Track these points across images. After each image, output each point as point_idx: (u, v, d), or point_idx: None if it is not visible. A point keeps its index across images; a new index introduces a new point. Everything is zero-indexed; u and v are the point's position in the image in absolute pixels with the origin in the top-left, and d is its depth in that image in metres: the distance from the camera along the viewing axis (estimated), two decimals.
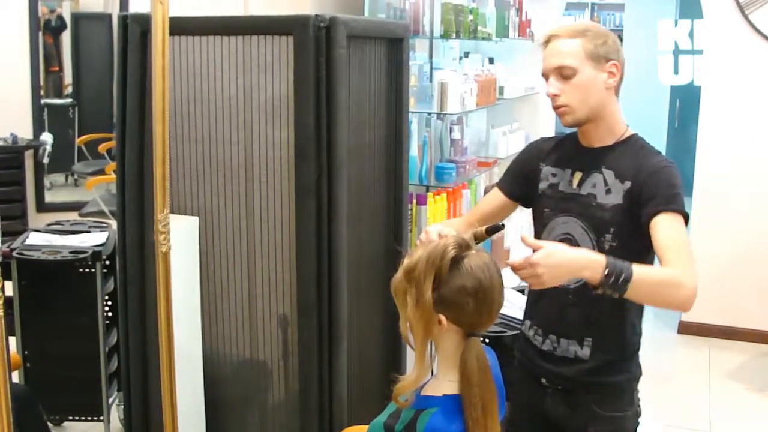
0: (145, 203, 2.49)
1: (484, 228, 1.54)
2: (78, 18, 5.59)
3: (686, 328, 4.65)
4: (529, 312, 2.02)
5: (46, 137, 5.22)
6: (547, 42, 1.83)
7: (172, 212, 2.00)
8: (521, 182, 2.00)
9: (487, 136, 4.64)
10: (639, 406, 1.93)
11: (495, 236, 1.68)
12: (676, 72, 5.03)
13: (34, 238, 3.17)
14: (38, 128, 5.26)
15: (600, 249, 1.80)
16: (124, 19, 2.50)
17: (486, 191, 4.26)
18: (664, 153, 1.86)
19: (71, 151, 5.61)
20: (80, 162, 5.64)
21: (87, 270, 3.03)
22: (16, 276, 2.99)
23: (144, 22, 2.41)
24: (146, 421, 2.63)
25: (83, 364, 3.06)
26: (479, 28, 4.08)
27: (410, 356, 1.49)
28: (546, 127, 5.18)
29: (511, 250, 4.26)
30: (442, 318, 1.41)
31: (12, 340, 2.98)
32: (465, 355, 1.42)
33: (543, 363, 1.93)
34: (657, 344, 4.42)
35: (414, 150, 3.60)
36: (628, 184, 1.78)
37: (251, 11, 2.99)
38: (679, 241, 1.68)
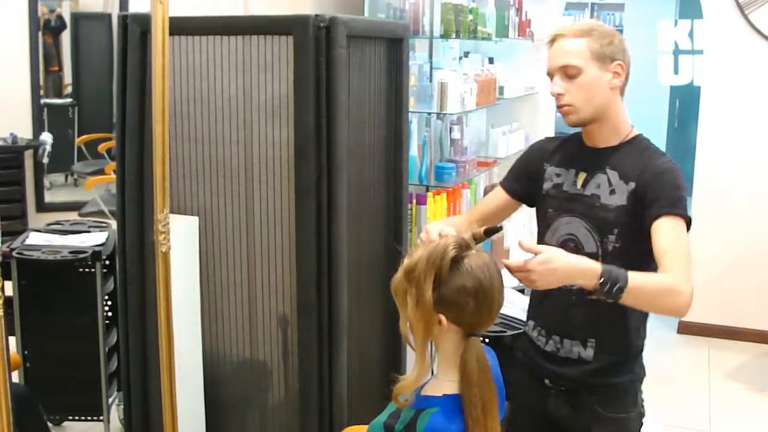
0: (145, 203, 2.49)
1: (482, 229, 1.54)
2: (78, 18, 5.59)
3: (686, 328, 4.65)
4: (532, 312, 2.02)
5: (46, 137, 5.22)
6: (552, 41, 1.82)
7: (172, 212, 2.00)
8: (524, 182, 2.00)
9: (487, 136, 4.64)
10: (643, 407, 1.93)
11: (494, 237, 1.68)
12: (676, 72, 5.02)
13: (33, 238, 3.17)
14: (38, 128, 5.25)
15: (604, 250, 1.80)
16: (124, 19, 2.50)
17: (486, 191, 4.26)
18: None
19: (71, 151, 5.61)
20: (80, 162, 5.64)
21: (87, 270, 3.03)
22: (16, 276, 2.99)
23: (144, 22, 2.41)
24: (146, 421, 2.63)
25: (83, 364, 3.06)
26: (479, 27, 4.08)
27: (410, 356, 1.49)
28: (546, 127, 5.18)
29: (511, 250, 4.25)
30: (442, 318, 1.41)
31: (12, 340, 2.98)
32: (465, 355, 1.42)
33: (546, 364, 1.93)
34: (657, 344, 4.41)
35: (414, 150, 3.59)
36: (632, 185, 1.77)
37: (251, 11, 2.99)
38: (679, 246, 1.68)
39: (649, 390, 1.95)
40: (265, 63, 2.33)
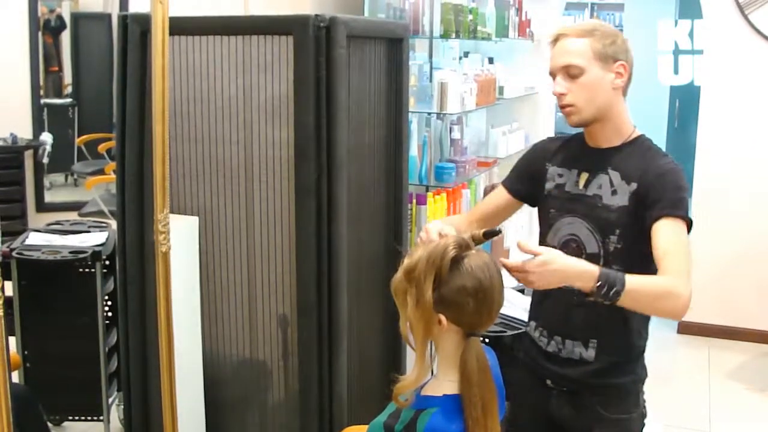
0: (145, 203, 2.49)
1: (481, 231, 1.54)
2: (77, 18, 5.59)
3: (686, 328, 4.64)
4: (534, 313, 2.02)
5: (46, 137, 5.22)
6: (555, 41, 1.82)
7: (172, 212, 2.00)
8: (526, 182, 1.99)
9: (487, 136, 4.64)
10: (645, 407, 1.93)
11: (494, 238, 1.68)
12: (675, 72, 5.02)
13: (33, 238, 3.16)
14: (38, 128, 5.25)
15: (605, 250, 1.79)
16: (123, 19, 2.50)
17: (485, 191, 4.26)
18: None
19: (71, 151, 5.61)
20: (80, 162, 5.64)
21: (87, 270, 3.03)
22: (16, 276, 2.99)
23: (144, 22, 2.41)
24: (146, 421, 2.63)
25: (83, 364, 3.06)
26: (479, 27, 4.08)
27: (410, 356, 1.49)
28: (546, 127, 5.18)
29: (511, 250, 4.25)
30: (442, 318, 1.41)
31: (12, 340, 2.98)
32: (465, 355, 1.42)
33: (548, 364, 1.92)
34: (657, 344, 4.37)
35: (414, 150, 3.59)
36: (634, 185, 1.77)
37: (251, 11, 2.99)
38: (679, 248, 1.67)
39: (649, 390, 1.95)
40: (265, 63, 2.33)
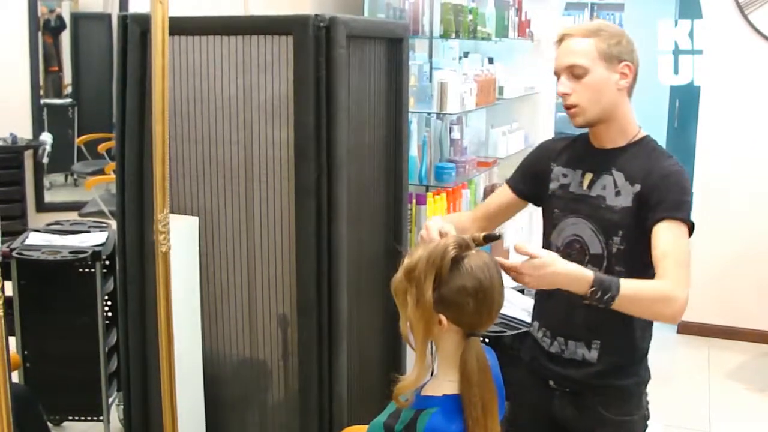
0: (145, 203, 2.49)
1: (481, 235, 1.53)
2: (77, 18, 5.59)
3: (686, 328, 4.64)
4: (537, 313, 2.02)
5: (46, 137, 5.22)
6: (560, 41, 1.81)
7: (172, 212, 2.00)
8: (531, 181, 1.99)
9: (487, 136, 4.64)
10: (647, 409, 1.92)
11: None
12: (675, 72, 5.03)
13: (33, 238, 3.17)
14: (38, 128, 5.25)
15: (608, 251, 1.79)
16: (123, 19, 2.50)
17: (485, 191, 4.26)
18: None
19: (71, 151, 5.61)
20: (80, 162, 5.64)
21: (87, 270, 3.03)
22: (16, 276, 2.99)
23: (144, 22, 2.41)
24: (146, 421, 2.63)
25: (83, 364, 3.06)
26: (479, 28, 4.08)
27: (410, 356, 1.49)
28: (546, 127, 5.18)
29: (511, 251, 4.25)
30: (443, 318, 1.41)
31: (12, 340, 2.98)
32: (465, 355, 1.42)
33: (551, 365, 1.92)
34: (657, 344, 4.35)
35: (414, 150, 3.60)
36: (637, 187, 1.76)
37: (251, 11, 2.98)
38: (678, 252, 1.67)
39: (649, 390, 1.95)
40: (265, 63, 2.33)
